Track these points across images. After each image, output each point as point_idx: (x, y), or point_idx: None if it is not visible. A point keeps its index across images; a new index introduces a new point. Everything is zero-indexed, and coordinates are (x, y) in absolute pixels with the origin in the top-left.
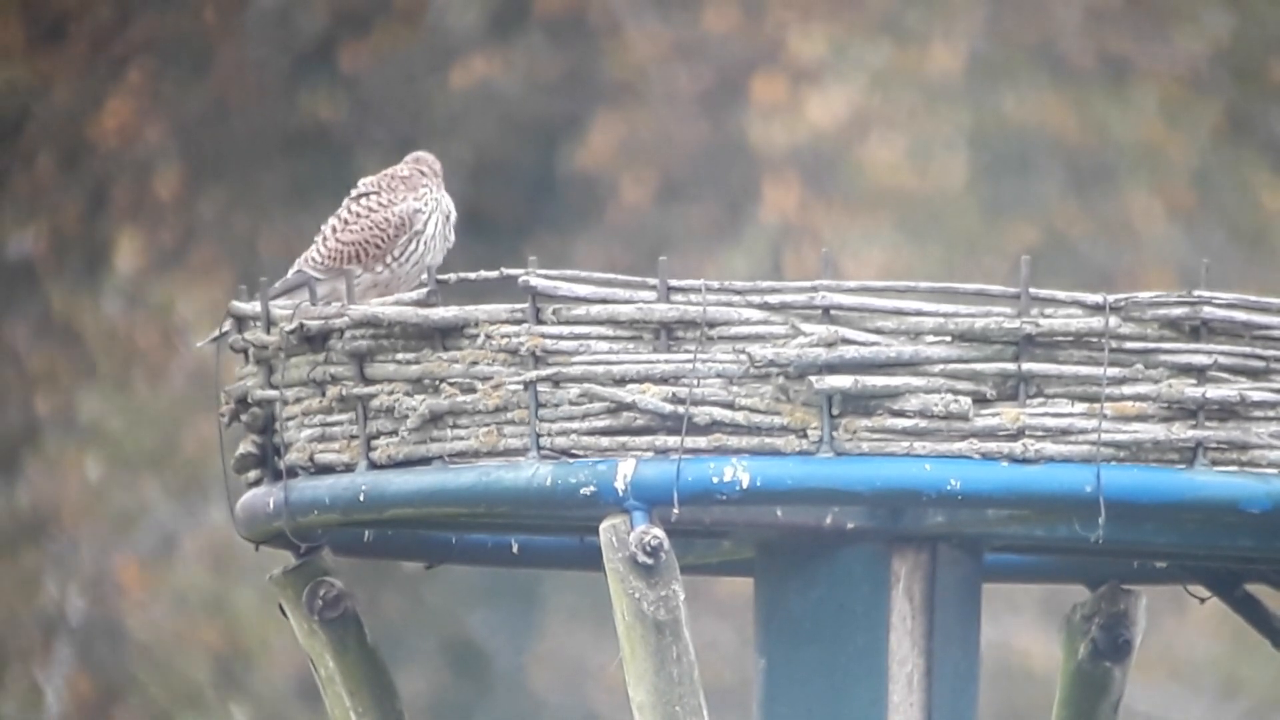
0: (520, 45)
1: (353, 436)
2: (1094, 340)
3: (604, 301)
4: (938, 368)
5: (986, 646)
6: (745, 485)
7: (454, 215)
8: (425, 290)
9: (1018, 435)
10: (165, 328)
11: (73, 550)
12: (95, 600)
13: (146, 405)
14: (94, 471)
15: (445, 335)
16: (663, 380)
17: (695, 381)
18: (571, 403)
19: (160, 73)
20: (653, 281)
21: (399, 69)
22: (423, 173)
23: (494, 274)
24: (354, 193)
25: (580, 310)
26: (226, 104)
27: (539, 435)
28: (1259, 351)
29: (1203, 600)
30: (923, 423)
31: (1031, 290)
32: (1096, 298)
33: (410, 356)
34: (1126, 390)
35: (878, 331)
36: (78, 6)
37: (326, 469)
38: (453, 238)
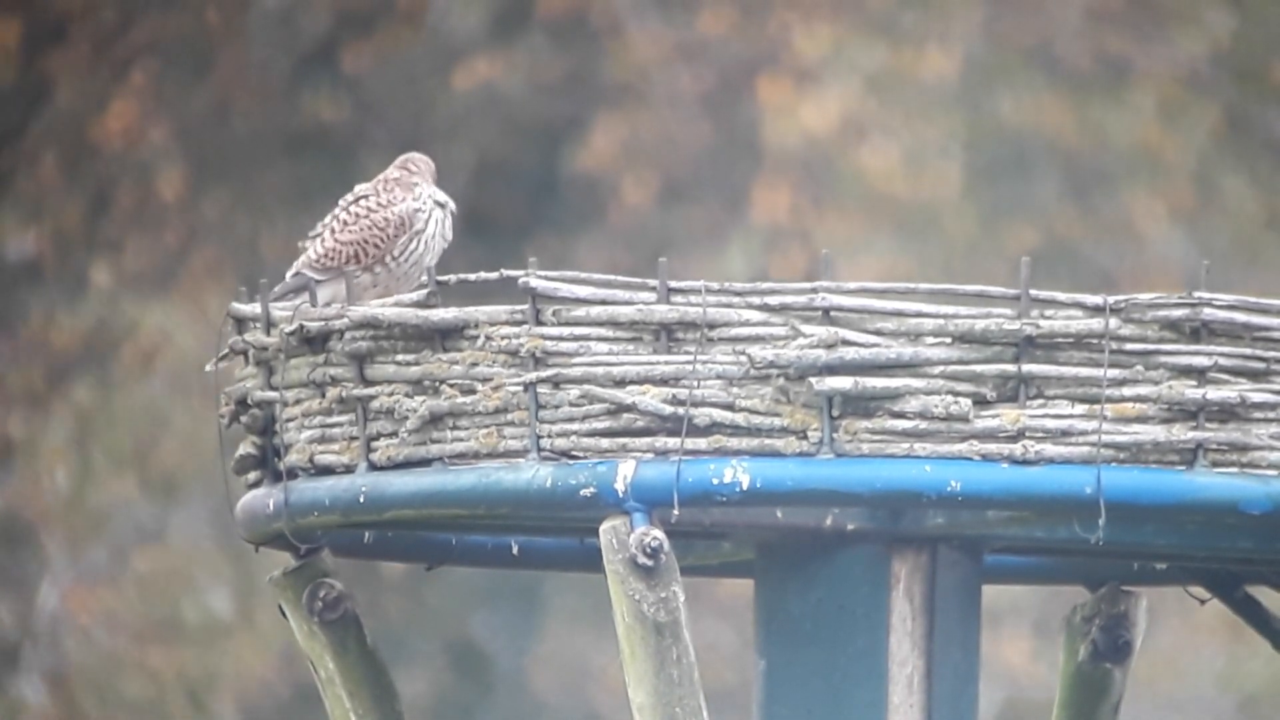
0: (522, 46)
1: (353, 438)
2: (1094, 342)
3: (604, 303)
4: (938, 369)
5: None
6: (745, 487)
7: (453, 206)
8: (425, 291)
9: (1018, 437)
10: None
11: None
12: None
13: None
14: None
15: (445, 336)
16: (663, 382)
17: (695, 383)
18: (571, 404)
19: (163, 74)
20: (653, 283)
21: (401, 70)
22: (411, 171)
23: (494, 275)
24: (349, 198)
25: (580, 311)
26: (229, 105)
27: (539, 437)
28: (1259, 353)
29: (1203, 602)
30: (923, 424)
31: (1032, 292)
32: (1097, 299)
33: (410, 358)
34: (1127, 392)
35: (878, 333)
36: (80, 8)
37: (326, 470)
38: (450, 236)
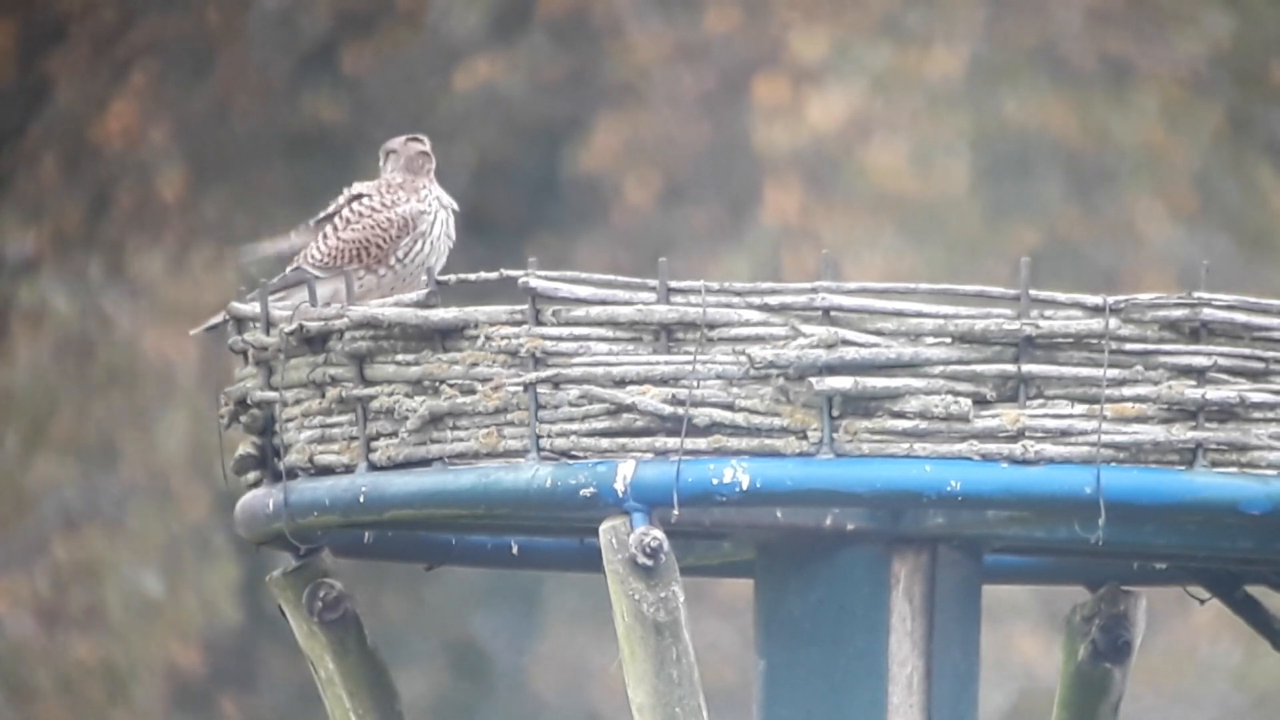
0: (523, 46)
1: (352, 438)
2: (1094, 342)
3: (604, 303)
4: (938, 369)
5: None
6: (745, 487)
7: (455, 207)
8: (425, 291)
9: (1018, 437)
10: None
11: None
12: None
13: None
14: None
15: (445, 336)
16: (663, 382)
17: (695, 383)
18: (571, 404)
19: (163, 75)
20: (652, 283)
21: (401, 70)
22: (416, 168)
23: (494, 275)
24: (347, 195)
25: (580, 312)
26: (229, 106)
27: (539, 437)
28: (1259, 353)
29: (1203, 602)
30: (923, 424)
31: (1031, 292)
32: (1096, 299)
33: (410, 358)
34: (1126, 392)
35: (878, 333)
36: (80, 8)
37: (326, 470)
38: (454, 235)
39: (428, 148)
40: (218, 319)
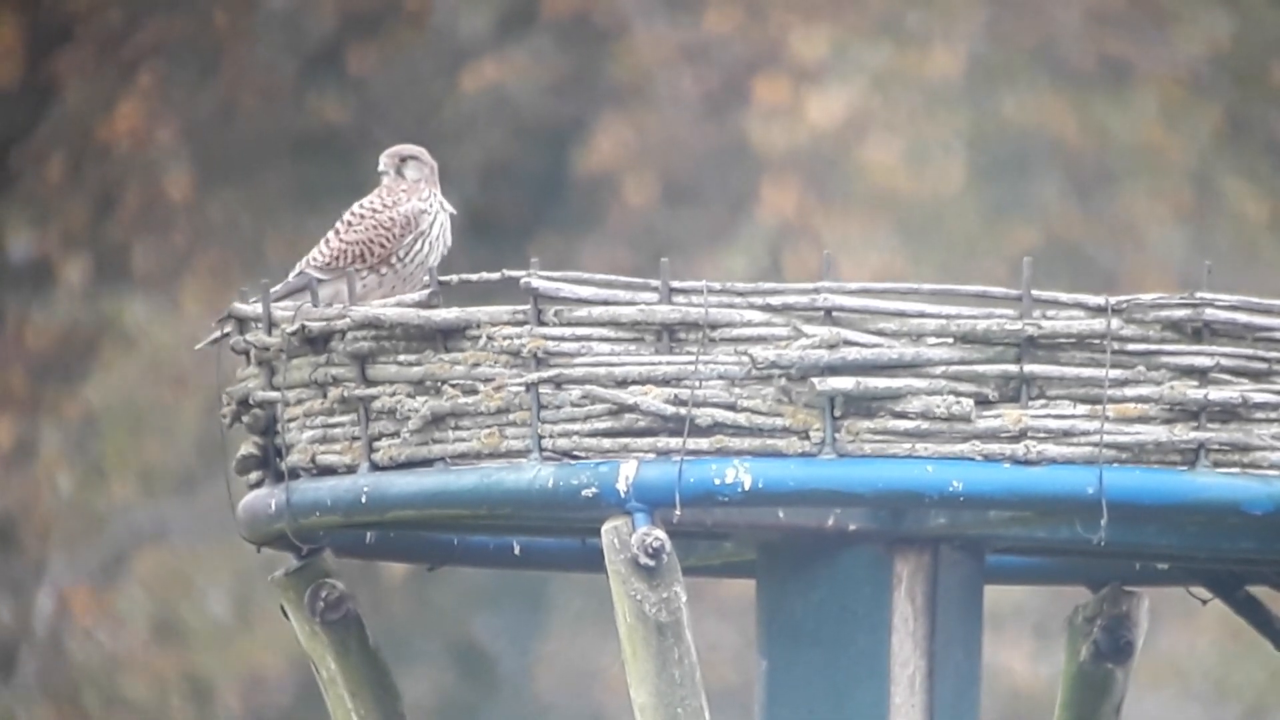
0: (527, 47)
1: (354, 438)
2: (1096, 342)
3: (606, 303)
4: (940, 369)
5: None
6: (747, 487)
7: (452, 210)
8: (427, 291)
9: (1020, 437)
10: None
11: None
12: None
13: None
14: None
15: (447, 337)
16: (665, 382)
17: (697, 383)
18: (573, 404)
19: (170, 75)
20: (654, 283)
21: (407, 71)
22: (415, 171)
23: (495, 275)
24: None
25: (582, 312)
26: (235, 106)
27: (541, 437)
28: (1261, 353)
29: (1204, 602)
30: (925, 424)
31: (1034, 292)
32: (1099, 299)
33: (412, 358)
34: (1129, 392)
35: (880, 333)
36: (87, 9)
37: (328, 470)
38: (449, 240)
39: (423, 171)
40: (219, 333)
